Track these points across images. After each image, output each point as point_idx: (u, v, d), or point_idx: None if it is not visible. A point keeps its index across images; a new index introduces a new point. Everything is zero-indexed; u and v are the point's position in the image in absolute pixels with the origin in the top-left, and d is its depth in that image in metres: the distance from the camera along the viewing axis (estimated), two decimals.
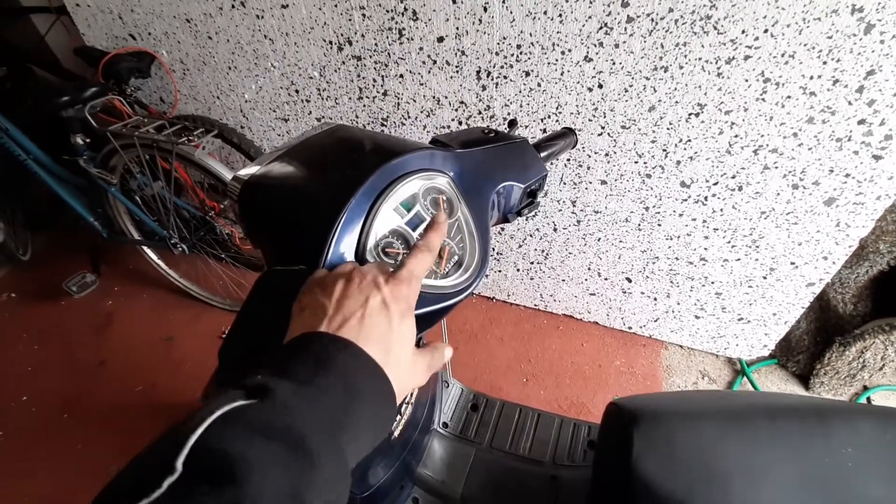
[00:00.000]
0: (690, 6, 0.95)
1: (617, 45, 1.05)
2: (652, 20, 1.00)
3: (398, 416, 0.68)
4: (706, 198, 1.22)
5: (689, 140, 1.13)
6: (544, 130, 1.25)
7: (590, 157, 1.26)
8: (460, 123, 1.33)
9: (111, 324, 1.77)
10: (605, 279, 1.54)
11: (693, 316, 1.51)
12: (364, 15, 1.21)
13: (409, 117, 1.38)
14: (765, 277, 1.32)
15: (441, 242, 0.41)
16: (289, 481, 0.23)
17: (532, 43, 1.11)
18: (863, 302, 1.38)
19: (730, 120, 1.07)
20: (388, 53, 1.26)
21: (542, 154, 0.64)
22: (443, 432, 0.94)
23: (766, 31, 0.94)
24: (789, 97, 1.00)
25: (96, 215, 1.66)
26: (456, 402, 1.01)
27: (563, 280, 1.61)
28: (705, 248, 1.32)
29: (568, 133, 0.72)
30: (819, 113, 1.00)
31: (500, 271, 1.70)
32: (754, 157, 1.11)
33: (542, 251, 1.56)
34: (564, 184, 1.34)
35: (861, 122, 0.99)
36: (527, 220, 1.49)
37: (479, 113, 1.29)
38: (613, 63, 1.08)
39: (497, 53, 1.16)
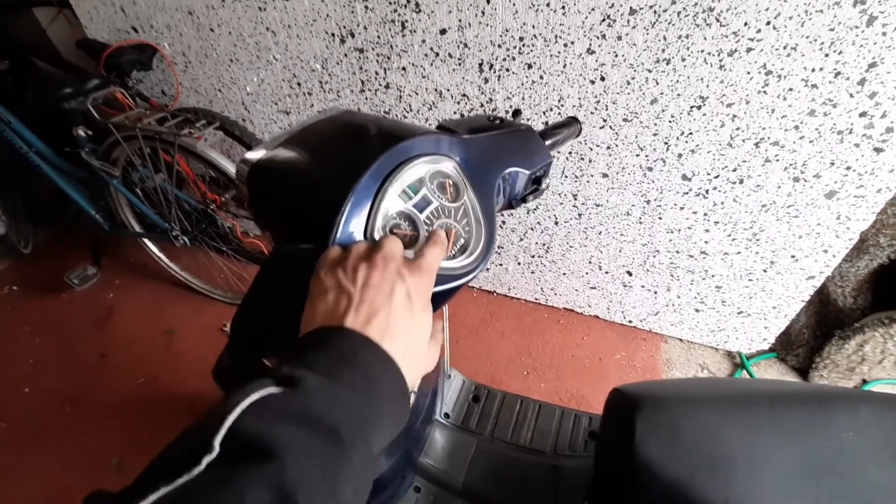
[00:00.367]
0: None
1: (619, 38, 1.05)
2: (654, 12, 1.00)
3: None
4: (707, 191, 1.22)
5: (691, 133, 1.14)
6: (546, 123, 1.25)
7: (591, 150, 1.26)
8: (462, 116, 1.33)
9: (112, 316, 1.77)
10: (606, 273, 1.54)
11: (693, 309, 1.51)
12: (367, 7, 1.21)
13: (411, 110, 1.38)
14: (765, 271, 1.32)
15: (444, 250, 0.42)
16: (322, 466, 0.24)
17: (535, 35, 1.11)
18: (863, 295, 1.39)
19: (731, 112, 1.07)
20: (391, 46, 1.26)
21: (547, 142, 0.65)
22: (444, 423, 0.95)
23: (768, 23, 0.94)
24: (791, 89, 1.00)
25: (98, 208, 1.66)
26: (458, 393, 1.02)
27: (564, 274, 1.61)
28: (706, 242, 1.33)
29: (572, 122, 0.72)
30: (821, 105, 1.01)
31: (501, 265, 1.70)
32: (755, 150, 1.11)
33: (544, 245, 1.56)
34: (566, 177, 1.35)
35: (862, 114, 0.99)
36: (528, 213, 1.49)
37: (482, 106, 1.29)
38: (616, 55, 1.08)
39: (500, 46, 1.16)
